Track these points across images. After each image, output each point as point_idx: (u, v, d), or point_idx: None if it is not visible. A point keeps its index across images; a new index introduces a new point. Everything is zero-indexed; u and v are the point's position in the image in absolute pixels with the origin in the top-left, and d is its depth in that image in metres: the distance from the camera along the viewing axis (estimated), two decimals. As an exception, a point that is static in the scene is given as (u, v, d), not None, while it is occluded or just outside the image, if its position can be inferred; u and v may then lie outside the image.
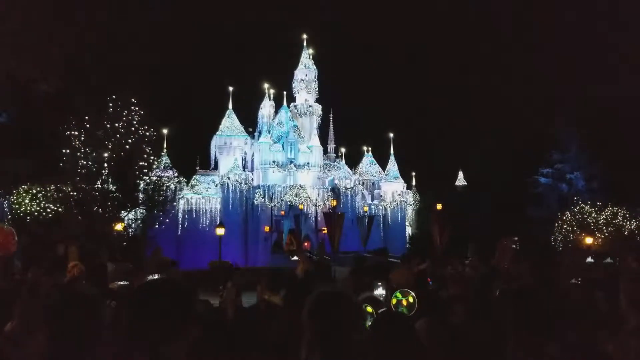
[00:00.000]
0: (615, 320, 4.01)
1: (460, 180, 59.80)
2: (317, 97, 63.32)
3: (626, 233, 38.38)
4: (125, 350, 2.64)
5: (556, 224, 40.24)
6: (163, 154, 47.31)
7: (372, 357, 3.10)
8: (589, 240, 34.18)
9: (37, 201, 28.04)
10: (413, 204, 60.90)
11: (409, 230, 59.49)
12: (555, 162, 49.60)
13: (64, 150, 27.05)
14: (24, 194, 28.42)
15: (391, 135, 62.59)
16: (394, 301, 4.19)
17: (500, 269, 7.45)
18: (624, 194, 40.80)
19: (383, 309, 4.45)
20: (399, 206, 60.00)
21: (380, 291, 5.52)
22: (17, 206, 28.58)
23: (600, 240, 36.31)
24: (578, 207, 40.55)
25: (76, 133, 27.44)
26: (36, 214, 28.24)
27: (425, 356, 3.28)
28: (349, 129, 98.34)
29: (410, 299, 4.15)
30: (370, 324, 3.92)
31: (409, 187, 62.12)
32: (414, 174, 62.64)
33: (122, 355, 2.67)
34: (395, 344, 3.16)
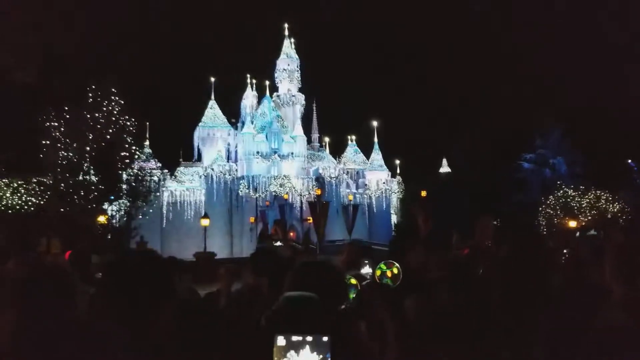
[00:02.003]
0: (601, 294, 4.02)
1: (445, 168, 60.13)
2: (300, 86, 63.16)
3: (609, 216, 38.90)
4: (101, 322, 2.56)
5: (540, 209, 40.70)
6: (145, 144, 46.85)
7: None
8: (572, 223, 34.61)
9: (19, 195, 27.58)
10: (398, 192, 61.14)
11: (394, 219, 59.72)
12: (538, 148, 50.05)
13: (43, 142, 26.64)
14: (4, 188, 27.95)
15: (375, 124, 62.73)
16: (378, 272, 4.15)
17: (482, 248, 7.44)
18: (606, 178, 41.37)
19: (367, 281, 4.43)
20: (383, 195, 60.22)
21: (366, 269, 5.50)
22: (-3, 200, 28.13)
23: (584, 223, 36.73)
24: (562, 192, 41.03)
25: (56, 124, 27.02)
26: (17, 207, 27.80)
27: (408, 327, 3.26)
28: (333, 118, 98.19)
29: (395, 270, 4.11)
30: (354, 295, 3.88)
31: (393, 175, 62.33)
32: (398, 162, 62.87)
33: (97, 329, 2.58)
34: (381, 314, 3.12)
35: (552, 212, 40.44)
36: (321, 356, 2.05)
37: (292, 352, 2.04)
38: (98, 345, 2.46)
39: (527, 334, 3.69)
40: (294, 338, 2.06)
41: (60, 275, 2.93)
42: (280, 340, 2.07)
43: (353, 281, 4.31)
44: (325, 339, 2.06)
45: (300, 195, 53.68)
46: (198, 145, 57.58)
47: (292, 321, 2.29)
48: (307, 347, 2.06)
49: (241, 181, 54.31)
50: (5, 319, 3.04)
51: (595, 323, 3.56)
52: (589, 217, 38.44)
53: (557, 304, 3.89)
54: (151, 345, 2.52)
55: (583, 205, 39.97)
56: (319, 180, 55.53)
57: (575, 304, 4.11)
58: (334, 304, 2.80)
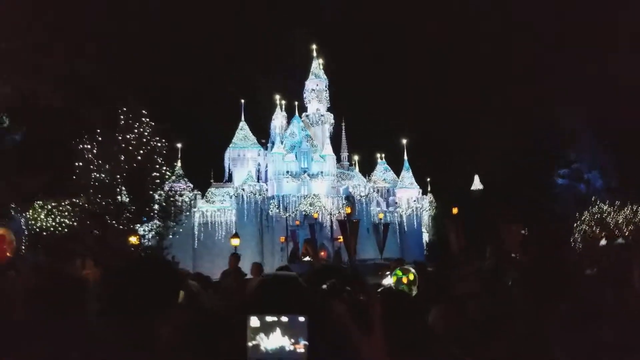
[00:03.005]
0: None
1: (476, 185, 59.22)
2: (328, 106, 63.48)
3: (646, 231, 37.72)
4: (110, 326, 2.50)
5: (574, 224, 39.70)
6: (177, 166, 47.60)
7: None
8: (619, 240, 33.60)
9: (52, 216, 28.28)
10: (429, 210, 60.44)
11: (425, 237, 58.97)
12: (572, 162, 48.96)
13: (76, 164, 27.31)
14: (39, 210, 28.66)
15: (404, 141, 62.41)
16: (394, 279, 4.08)
17: (509, 258, 7.24)
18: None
19: (383, 287, 4.37)
20: (414, 213, 59.59)
21: (387, 280, 5.43)
22: (33, 222, 28.83)
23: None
24: (596, 207, 39.98)
25: (88, 146, 27.69)
26: (52, 229, 28.44)
27: (430, 335, 3.13)
28: (362, 137, 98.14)
29: (411, 277, 4.04)
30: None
31: (424, 193, 61.71)
32: (428, 179, 62.29)
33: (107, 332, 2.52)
34: (395, 319, 3.01)
35: (587, 227, 39.41)
36: (293, 339, 1.92)
37: (262, 334, 1.92)
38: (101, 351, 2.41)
39: (549, 346, 3.54)
40: (268, 318, 1.92)
41: (72, 282, 2.91)
42: (254, 321, 1.95)
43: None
44: (301, 319, 1.92)
45: (331, 214, 53.57)
46: (229, 166, 58.25)
47: (267, 301, 2.16)
48: (279, 329, 1.92)
49: (271, 201, 54.53)
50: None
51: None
52: (626, 234, 37.27)
53: (579, 316, 3.75)
54: (155, 352, 2.45)
55: (619, 221, 38.83)
56: (349, 199, 55.34)
57: (597, 317, 3.93)
58: (316, 285, 2.67)
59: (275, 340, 1.94)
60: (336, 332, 2.39)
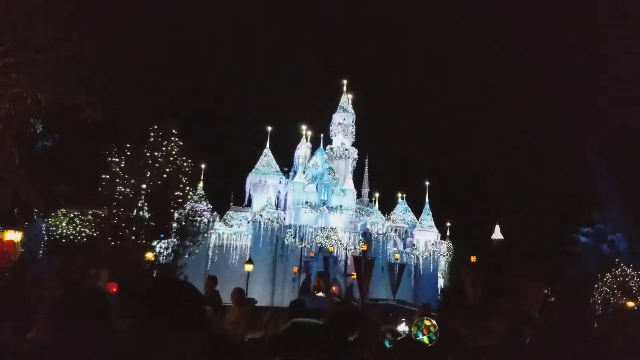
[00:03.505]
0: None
1: (497, 234, 58.52)
2: (353, 140, 63.76)
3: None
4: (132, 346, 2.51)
5: (595, 286, 38.87)
6: (199, 186, 47.93)
7: None
8: (630, 303, 32.74)
9: (74, 225, 28.61)
10: (446, 255, 59.77)
11: (441, 282, 58.16)
12: (597, 222, 48.10)
13: (103, 176, 27.71)
14: (61, 217, 29.03)
15: (427, 183, 62.24)
16: (414, 330, 4.07)
17: (530, 315, 7.10)
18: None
19: (403, 337, 4.37)
20: (431, 256, 58.96)
21: (402, 327, 5.40)
22: (54, 228, 29.19)
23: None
24: (620, 270, 39.13)
25: (117, 160, 28.12)
26: (71, 237, 28.75)
27: None
28: (385, 174, 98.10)
29: (432, 329, 4.03)
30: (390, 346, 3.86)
31: (443, 237, 61.13)
32: (448, 224, 61.74)
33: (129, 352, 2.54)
34: None
35: (608, 290, 38.51)
36: None
37: None
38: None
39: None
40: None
41: (95, 295, 2.93)
42: None
43: (388, 335, 4.29)
44: None
45: (346, 249, 53.26)
46: (249, 191, 58.48)
47: (294, 344, 2.21)
48: None
49: (288, 230, 54.46)
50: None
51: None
52: None
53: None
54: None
55: None
56: (366, 236, 55.04)
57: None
58: (342, 334, 2.69)
59: None
60: None
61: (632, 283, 38.38)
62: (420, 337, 4.50)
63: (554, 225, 46.35)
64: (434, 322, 4.76)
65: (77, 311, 2.71)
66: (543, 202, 48.91)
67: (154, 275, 26.75)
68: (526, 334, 6.34)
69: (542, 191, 52.14)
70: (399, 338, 4.51)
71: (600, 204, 48.40)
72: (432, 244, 59.34)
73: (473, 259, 40.72)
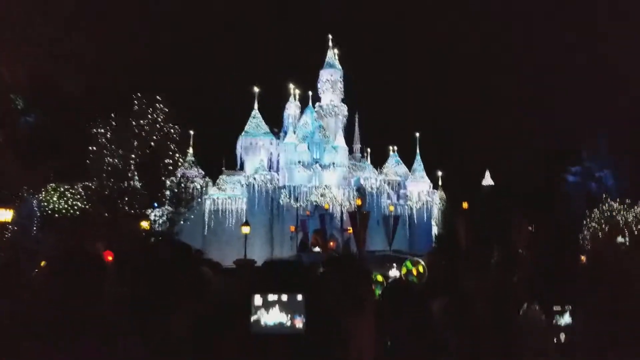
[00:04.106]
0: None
1: (487, 180, 58.97)
2: (342, 97, 63.29)
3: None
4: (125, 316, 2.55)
5: (584, 222, 39.51)
6: (189, 152, 47.75)
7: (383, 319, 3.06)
8: (619, 238, 33.45)
9: (65, 199, 28.63)
10: (439, 204, 60.32)
11: (434, 230, 58.86)
12: (584, 160, 48.50)
13: (90, 148, 27.62)
14: (52, 192, 29.02)
15: (417, 134, 62.20)
16: (404, 270, 4.16)
17: (516, 254, 7.27)
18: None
19: (393, 278, 4.46)
20: (425, 206, 59.46)
21: (394, 272, 5.49)
22: (45, 204, 29.21)
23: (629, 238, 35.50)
24: (607, 205, 39.73)
25: (102, 131, 27.98)
26: (64, 211, 28.81)
27: (432, 323, 3.21)
28: (375, 129, 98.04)
29: (420, 269, 4.11)
30: (380, 291, 3.93)
31: (435, 187, 61.54)
32: (440, 173, 62.06)
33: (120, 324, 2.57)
34: (404, 308, 3.11)
35: (597, 226, 39.17)
36: (292, 315, 2.15)
37: (263, 309, 2.17)
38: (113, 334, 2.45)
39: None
40: (270, 297, 2.18)
41: (95, 259, 2.95)
42: (257, 300, 2.21)
43: (379, 278, 4.38)
44: (300, 297, 2.15)
45: (341, 205, 53.59)
46: (241, 154, 58.30)
47: (270, 282, 2.34)
48: (278, 305, 2.18)
49: (282, 190, 54.63)
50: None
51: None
52: (635, 233, 36.96)
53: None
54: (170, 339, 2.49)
55: (629, 220, 38.53)
56: (360, 191, 55.34)
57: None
58: (314, 269, 2.81)
59: (275, 316, 2.15)
60: (331, 310, 2.54)
61: (619, 217, 39.01)
62: (411, 278, 4.58)
63: (543, 167, 46.78)
64: (422, 263, 4.84)
65: (77, 269, 2.72)
66: (532, 145, 49.22)
67: (150, 243, 26.92)
68: (514, 272, 6.49)
69: (531, 134, 52.39)
70: (389, 280, 4.60)
71: (587, 143, 48.76)
72: (425, 194, 59.78)
73: (465, 205, 41.22)
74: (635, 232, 37.27)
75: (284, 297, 2.23)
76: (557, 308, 4.21)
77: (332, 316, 2.44)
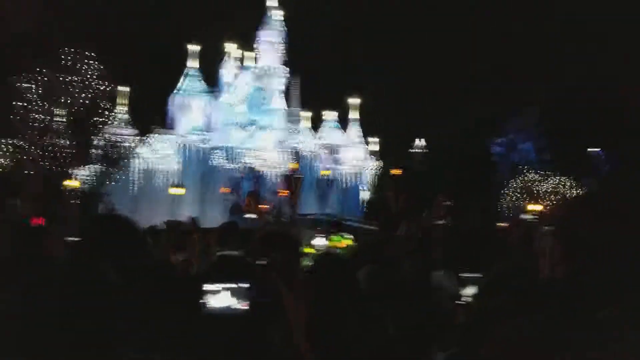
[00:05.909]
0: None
1: (419, 147, 60.66)
2: (285, 59, 62.38)
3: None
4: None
5: (502, 191, 41.96)
6: (124, 111, 46.21)
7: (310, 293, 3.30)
8: (534, 207, 35.73)
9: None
10: (373, 169, 61.65)
11: (365, 195, 60.26)
12: (510, 132, 50.84)
13: (14, 103, 26.31)
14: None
15: (354, 101, 62.76)
16: (330, 243, 4.48)
17: (430, 225, 7.80)
18: (572, 166, 42.63)
19: (322, 251, 4.76)
20: (359, 171, 60.65)
21: (318, 240, 5.83)
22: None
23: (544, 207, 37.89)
24: (524, 176, 42.28)
25: (27, 85, 26.65)
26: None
27: (359, 295, 3.50)
28: (315, 93, 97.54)
29: (350, 242, 4.47)
30: (309, 263, 4.20)
31: (371, 153, 62.72)
32: (376, 139, 63.18)
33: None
34: (331, 281, 3.33)
35: (517, 195, 41.60)
36: (239, 300, 2.65)
37: (213, 295, 2.62)
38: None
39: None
40: (219, 285, 2.66)
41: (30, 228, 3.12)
42: (207, 287, 2.65)
43: (307, 250, 4.67)
44: (245, 286, 2.67)
45: (276, 168, 53.79)
46: (174, 113, 56.89)
47: (220, 273, 2.77)
48: (228, 292, 2.66)
49: (216, 151, 54.06)
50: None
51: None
52: (549, 203, 39.54)
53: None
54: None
55: (545, 191, 41.15)
56: (296, 154, 55.65)
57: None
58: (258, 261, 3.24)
59: (223, 301, 2.66)
60: (273, 295, 2.94)
61: (537, 188, 41.59)
62: (338, 250, 4.86)
63: (473, 137, 48.65)
64: (352, 237, 5.13)
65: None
66: (466, 115, 50.94)
67: (79, 202, 26.33)
68: (430, 240, 7.03)
69: (466, 103, 54.13)
70: (318, 252, 4.89)
71: (512, 115, 50.99)
72: (360, 160, 60.90)
73: (396, 171, 42.49)
74: (550, 203, 39.78)
75: (233, 285, 2.70)
76: (465, 275, 4.07)
77: (274, 298, 2.85)
